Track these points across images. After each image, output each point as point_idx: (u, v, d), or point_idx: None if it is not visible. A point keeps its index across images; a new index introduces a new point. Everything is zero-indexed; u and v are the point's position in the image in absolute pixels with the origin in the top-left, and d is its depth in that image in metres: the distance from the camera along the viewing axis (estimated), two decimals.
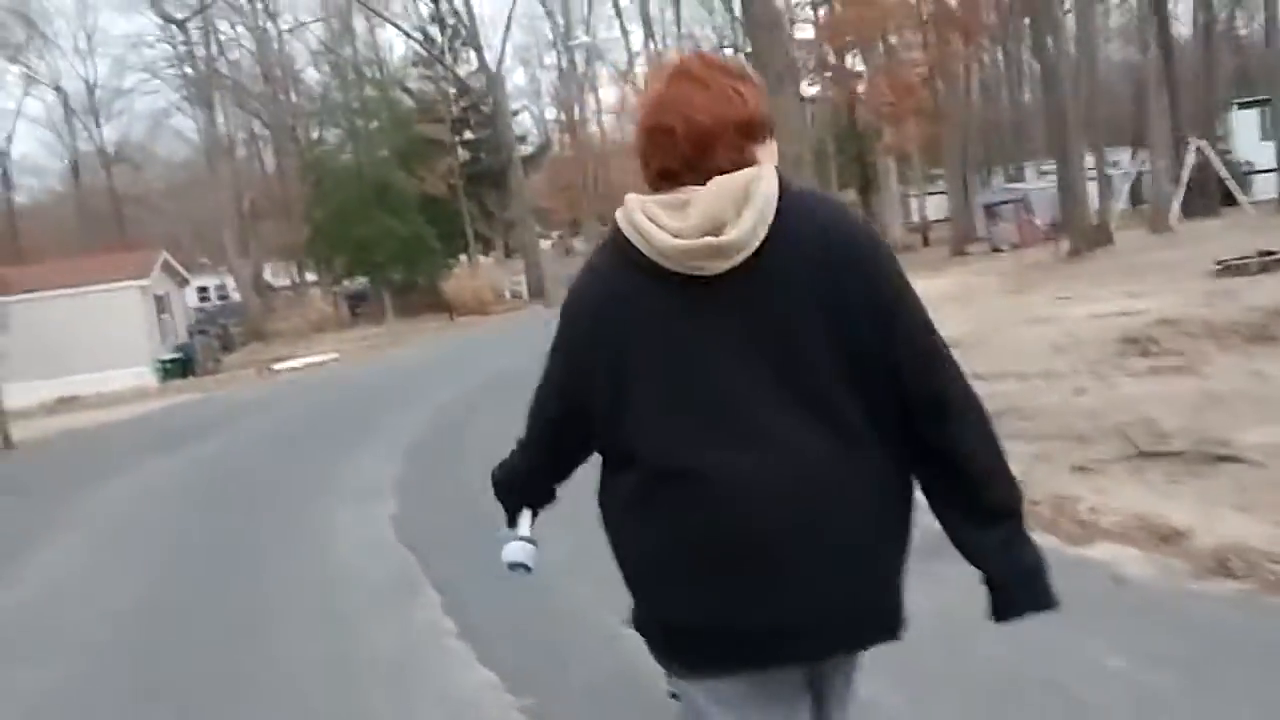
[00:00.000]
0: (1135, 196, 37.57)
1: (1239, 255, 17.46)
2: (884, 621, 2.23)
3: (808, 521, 2.07)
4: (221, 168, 54.95)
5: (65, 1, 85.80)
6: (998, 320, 14.99)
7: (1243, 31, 56.33)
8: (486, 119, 53.06)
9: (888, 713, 4.18)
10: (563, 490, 2.77)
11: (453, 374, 22.33)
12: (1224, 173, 32.88)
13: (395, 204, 46.65)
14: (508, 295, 47.38)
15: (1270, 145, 34.40)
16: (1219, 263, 17.29)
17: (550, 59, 74.06)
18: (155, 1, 52.84)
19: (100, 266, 37.76)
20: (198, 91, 54.75)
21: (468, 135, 53.77)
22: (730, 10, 59.25)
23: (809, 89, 39.67)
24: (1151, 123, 32.45)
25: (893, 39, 38.44)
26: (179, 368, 34.80)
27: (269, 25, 58.54)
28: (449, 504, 9.75)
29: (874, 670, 2.46)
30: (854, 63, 41.80)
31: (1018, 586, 2.23)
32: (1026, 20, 44.48)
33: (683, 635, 2.19)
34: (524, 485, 2.73)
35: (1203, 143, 33.04)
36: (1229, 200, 32.50)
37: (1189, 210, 31.44)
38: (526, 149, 58.30)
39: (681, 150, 2.15)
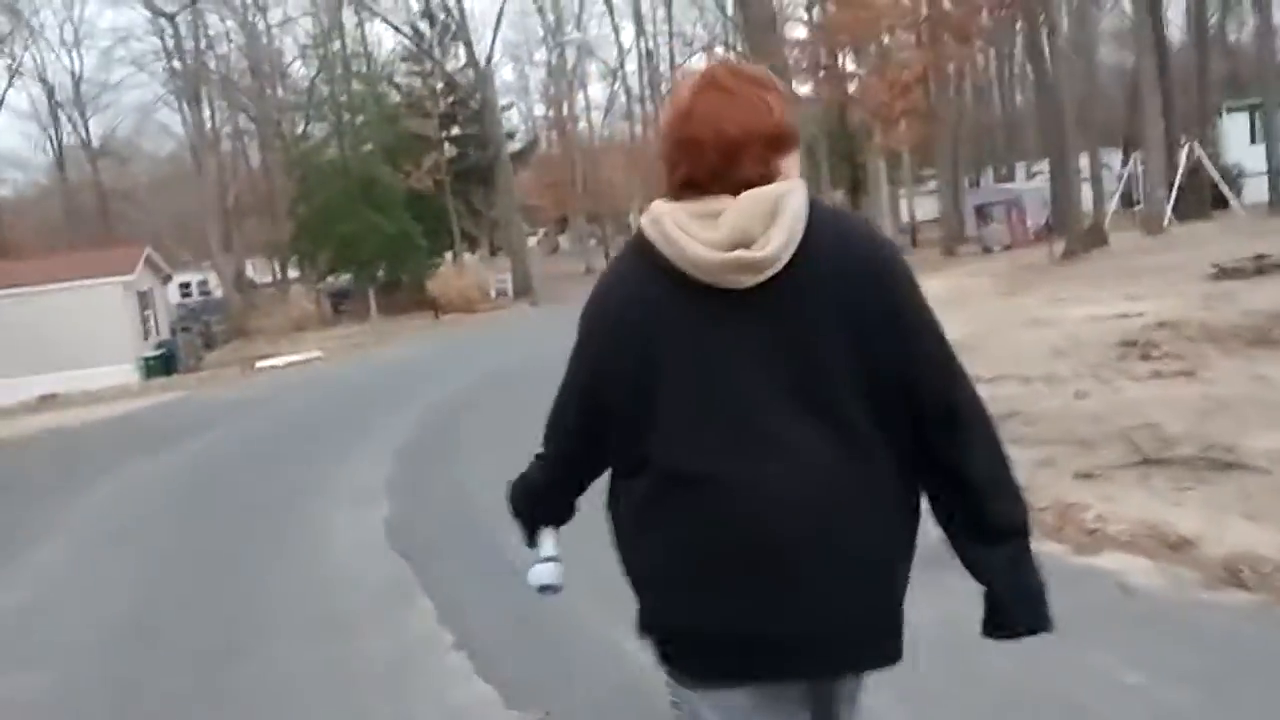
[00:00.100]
0: (1127, 199, 37.61)
1: (1234, 258, 17.46)
2: (888, 642, 2.22)
3: (824, 534, 2.08)
4: (207, 163, 54.73)
5: None
6: (994, 322, 14.92)
7: (1233, 37, 56.50)
8: (474, 115, 53.01)
9: None
10: None
11: (440, 373, 22.24)
12: (1216, 176, 32.93)
13: (381, 200, 46.47)
14: (493, 294, 47.22)
15: (1260, 149, 34.45)
16: (1215, 265, 17.28)
17: (540, 55, 74.01)
18: None
19: (84, 262, 37.51)
20: (185, 86, 54.47)
21: (455, 131, 53.68)
22: (722, 9, 59.30)
23: (802, 89, 39.58)
24: (1145, 125, 32.46)
25: (886, 40, 38.38)
26: (162, 365, 34.55)
27: (258, 20, 58.40)
28: (442, 507, 9.68)
29: (879, 683, 2.39)
30: (845, 62, 41.79)
31: (1019, 607, 2.24)
32: (1018, 25, 44.72)
33: (691, 643, 2.19)
34: (545, 501, 2.59)
35: (1196, 145, 33.09)
36: (1220, 203, 32.57)
37: (1181, 213, 31.53)
38: (515, 146, 58.27)
39: (709, 161, 2.14)
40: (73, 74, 66.01)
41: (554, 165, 68.05)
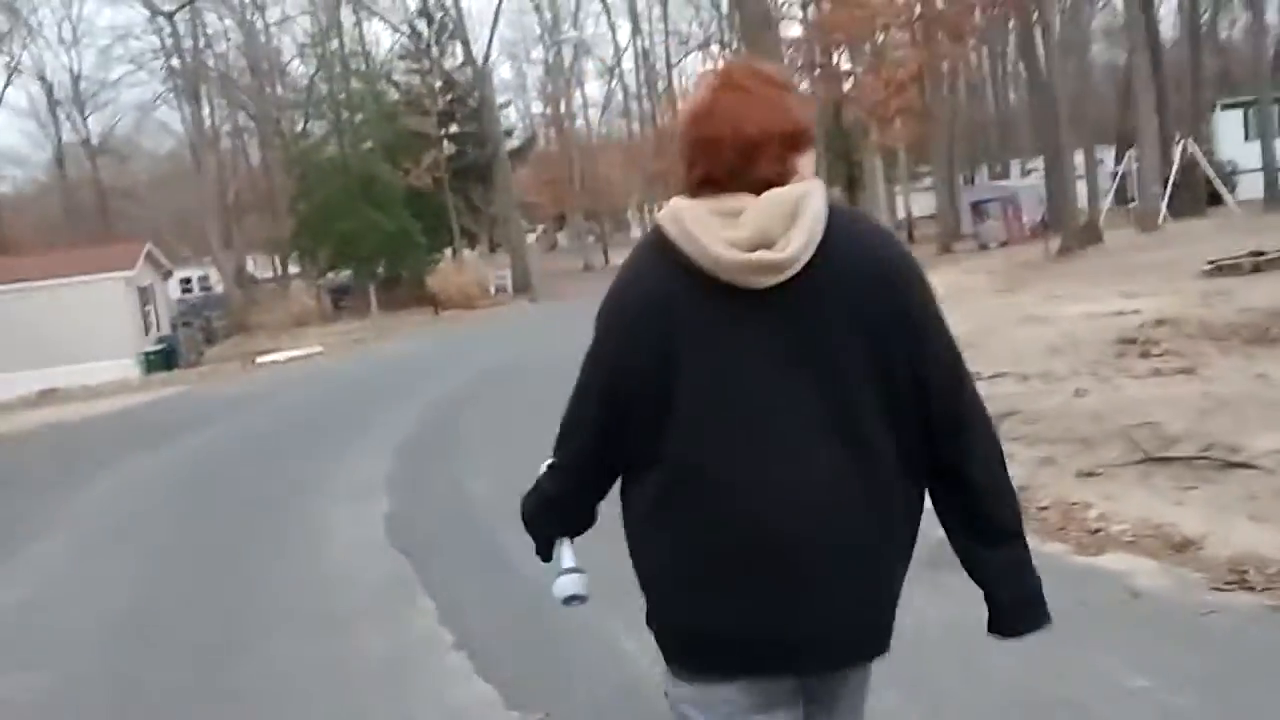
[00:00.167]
0: (1121, 196, 37.56)
1: (1230, 255, 17.42)
2: (881, 639, 2.25)
3: (826, 536, 2.10)
4: (207, 160, 54.64)
5: None
6: (992, 319, 14.87)
7: (1224, 34, 56.46)
8: (473, 113, 53.08)
9: None
10: None
11: (440, 369, 22.22)
12: (1211, 172, 32.91)
13: (380, 197, 46.45)
14: (493, 290, 47.19)
15: (1254, 146, 34.42)
16: (1211, 262, 17.23)
17: (537, 53, 73.94)
18: None
19: (84, 258, 37.46)
20: (184, 84, 54.37)
21: (454, 129, 53.65)
22: (717, 7, 59.29)
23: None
24: (1139, 122, 32.41)
25: (880, 38, 38.35)
26: (162, 360, 34.51)
27: (256, 18, 58.31)
28: (442, 503, 9.66)
29: (886, 683, 2.44)
30: (839, 60, 41.75)
31: (1019, 609, 2.30)
32: (1010, 23, 44.72)
33: (690, 639, 2.21)
34: (564, 510, 2.49)
35: (1190, 142, 33.06)
36: (1214, 200, 32.54)
37: (1176, 210, 31.47)
38: (513, 143, 58.26)
39: (728, 159, 2.14)
40: (71, 72, 65.78)
41: (552, 162, 68.05)
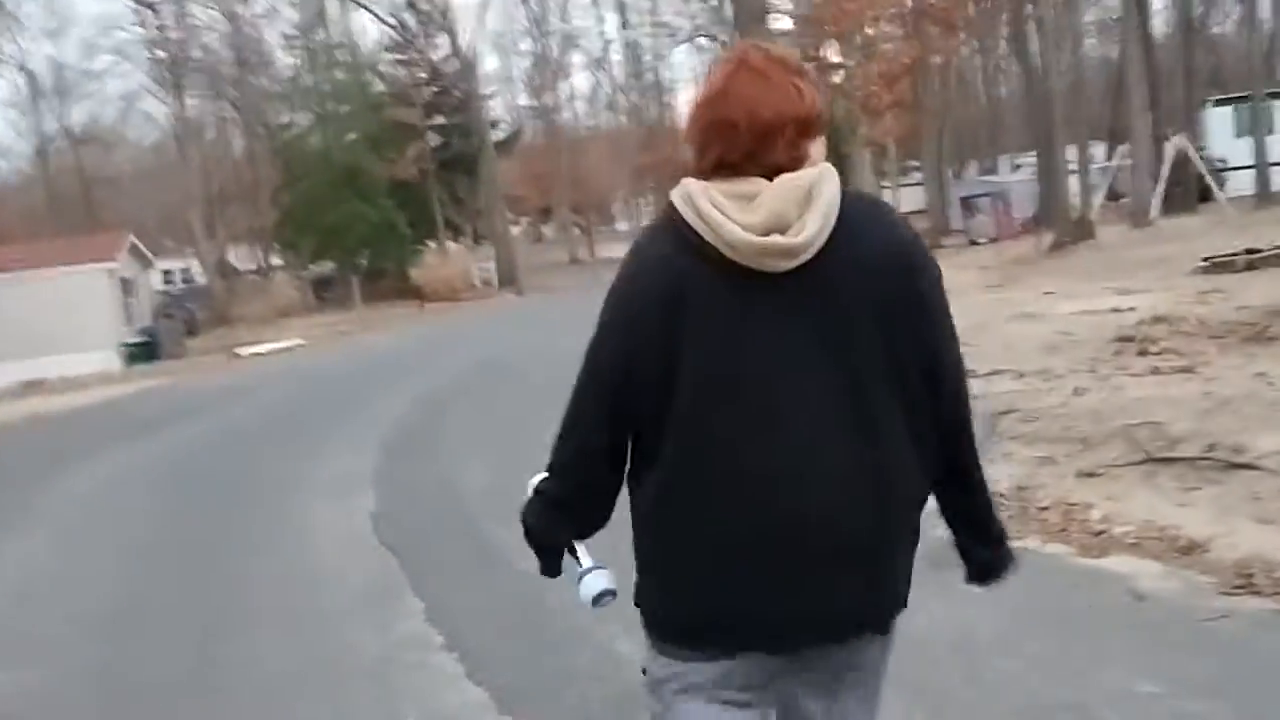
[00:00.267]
0: (1112, 192, 37.59)
1: (1223, 252, 17.41)
2: (883, 618, 2.25)
3: (840, 525, 2.10)
4: (190, 151, 54.40)
5: None
6: (985, 315, 14.78)
7: (1215, 30, 56.55)
8: (459, 104, 52.97)
9: None
10: None
11: (425, 362, 22.15)
12: (1203, 169, 32.94)
13: (365, 189, 46.46)
14: (477, 283, 47.11)
15: (1245, 142, 34.48)
16: (1205, 259, 17.22)
17: (524, 45, 73.80)
18: None
19: (67, 248, 37.29)
20: (168, 75, 54.09)
21: (439, 120, 53.55)
22: None
23: None
24: (1132, 118, 32.43)
25: (870, 31, 38.32)
26: (144, 352, 34.31)
27: (241, 9, 57.98)
28: (430, 499, 9.55)
29: (890, 689, 2.38)
30: (830, 53, 41.70)
31: (999, 562, 2.44)
32: (1002, 17, 44.71)
33: (692, 617, 2.19)
34: (574, 511, 2.34)
35: (1182, 139, 33.08)
36: (1205, 197, 32.59)
37: (1168, 206, 31.51)
38: (499, 135, 58.12)
39: (743, 143, 2.12)
40: (55, 62, 65.39)
41: (538, 155, 67.87)
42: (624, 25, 63.28)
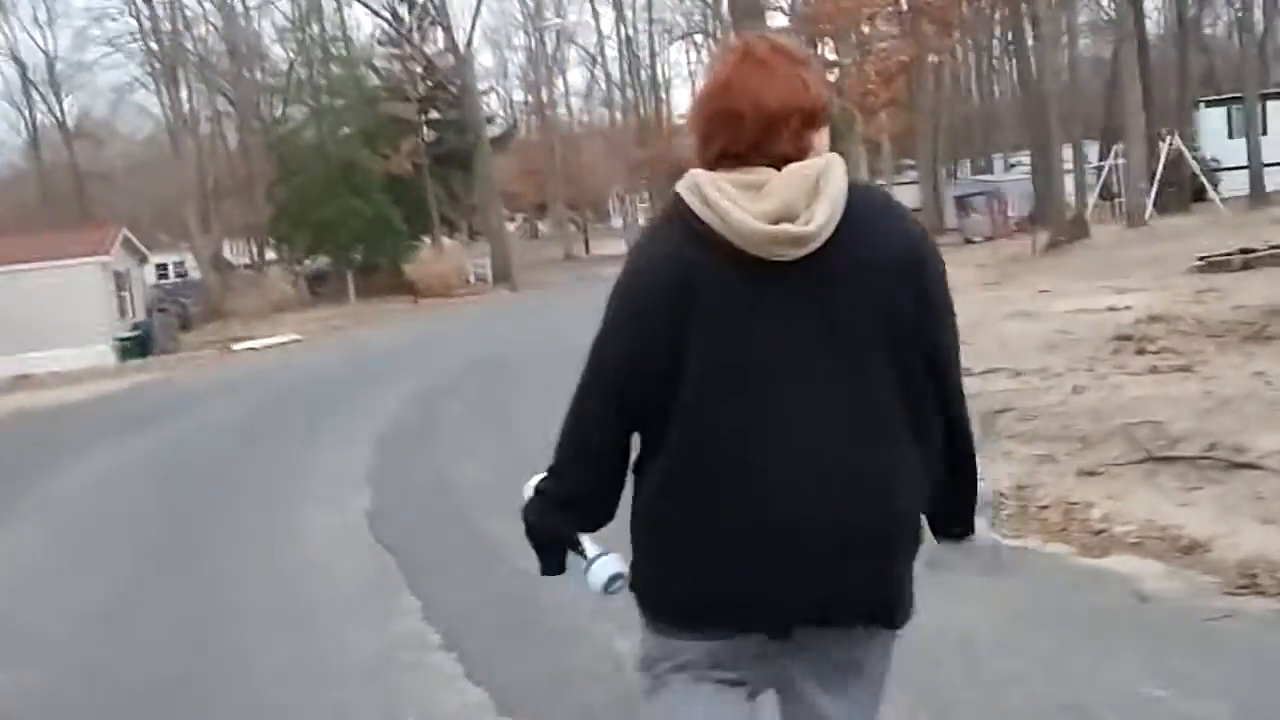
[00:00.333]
0: (1106, 191, 37.62)
1: (1219, 251, 17.41)
2: (886, 608, 2.23)
3: (838, 515, 2.10)
4: (185, 145, 54.29)
5: None
6: (981, 314, 14.73)
7: (1208, 30, 56.64)
8: (454, 99, 52.92)
9: None
10: None
11: (420, 358, 22.10)
12: (1197, 169, 32.99)
13: (360, 184, 46.44)
14: (472, 279, 47.06)
15: (1238, 143, 34.53)
16: (1201, 258, 17.23)
17: (520, 40, 73.78)
18: None
19: (60, 242, 37.07)
20: (162, 67, 53.98)
21: (434, 115, 53.59)
22: None
23: None
24: (1126, 117, 32.45)
25: (866, 29, 38.36)
26: (137, 346, 34.19)
27: (236, 1, 57.89)
28: (426, 496, 9.50)
29: (893, 689, 2.38)
30: (825, 52, 41.72)
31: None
32: (996, 16, 44.74)
33: (690, 598, 2.17)
34: (579, 508, 2.30)
35: (1176, 138, 33.13)
36: (1198, 196, 32.64)
37: (1162, 206, 31.55)
38: (494, 131, 58.13)
39: (749, 134, 2.13)
40: (46, 53, 65.10)
41: (533, 151, 67.91)
42: (619, 20, 63.12)
